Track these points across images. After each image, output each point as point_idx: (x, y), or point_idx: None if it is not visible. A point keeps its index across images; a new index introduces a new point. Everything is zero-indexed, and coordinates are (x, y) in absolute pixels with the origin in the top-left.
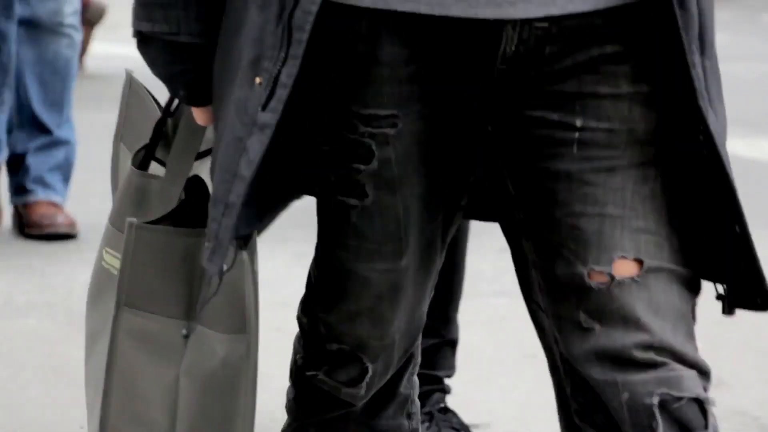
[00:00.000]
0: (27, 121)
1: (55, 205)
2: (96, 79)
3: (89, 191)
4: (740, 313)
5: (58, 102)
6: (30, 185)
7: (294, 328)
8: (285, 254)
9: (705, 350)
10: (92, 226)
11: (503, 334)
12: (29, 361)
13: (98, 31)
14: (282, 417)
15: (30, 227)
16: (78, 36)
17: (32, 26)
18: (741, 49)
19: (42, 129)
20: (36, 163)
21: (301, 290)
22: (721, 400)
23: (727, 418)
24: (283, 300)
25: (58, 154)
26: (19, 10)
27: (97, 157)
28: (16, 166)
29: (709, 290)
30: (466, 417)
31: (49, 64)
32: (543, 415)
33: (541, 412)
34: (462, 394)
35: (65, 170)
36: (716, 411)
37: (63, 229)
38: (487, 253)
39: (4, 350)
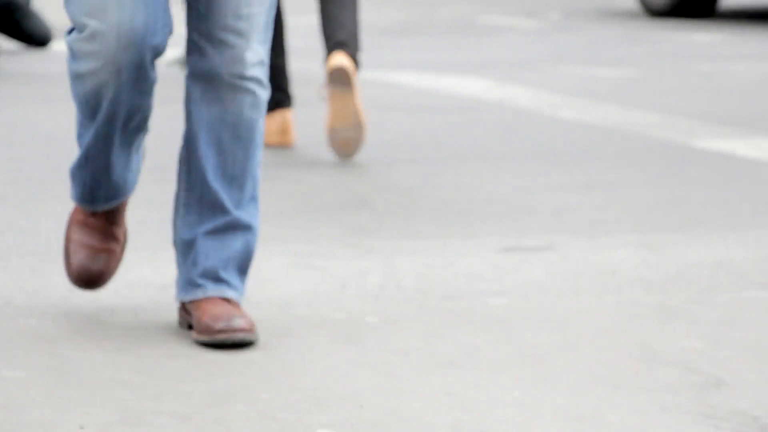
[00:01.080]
0: (199, 199)
1: (230, 302)
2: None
3: None
4: (740, 313)
5: (240, 176)
6: (199, 279)
7: (296, 329)
8: (285, 254)
9: (705, 350)
10: None
11: (503, 335)
12: (29, 361)
13: None
14: (290, 418)
15: (200, 332)
16: (264, 94)
17: (208, 81)
18: (741, 49)
19: (217, 208)
20: (207, 251)
21: (301, 290)
22: (721, 400)
23: (727, 418)
24: (283, 300)
25: (235, 242)
26: (193, 63)
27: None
28: (183, 253)
29: (709, 290)
30: (466, 417)
31: (230, 128)
32: (543, 416)
33: (541, 412)
34: (462, 394)
35: (244, 262)
36: (716, 411)
37: (240, 336)
38: (487, 253)
39: (4, 350)
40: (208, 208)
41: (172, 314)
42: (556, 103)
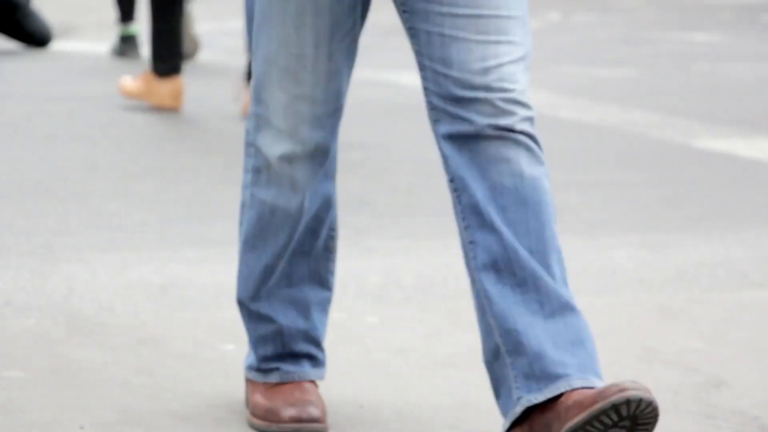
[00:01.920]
0: (499, 281)
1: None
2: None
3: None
4: (740, 313)
5: (540, 250)
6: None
7: None
8: None
9: (705, 350)
10: (89, 226)
11: None
12: (29, 361)
13: (89, 30)
14: None
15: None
16: (540, 149)
17: (470, 142)
18: (741, 49)
19: (525, 282)
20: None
21: None
22: (721, 400)
23: (727, 418)
24: None
25: (575, 324)
26: (446, 128)
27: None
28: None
29: (709, 290)
30: (466, 417)
31: (511, 193)
32: None
33: None
34: (462, 394)
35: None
36: (716, 411)
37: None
38: None
39: (4, 350)
40: (512, 285)
41: (172, 314)
42: (556, 103)
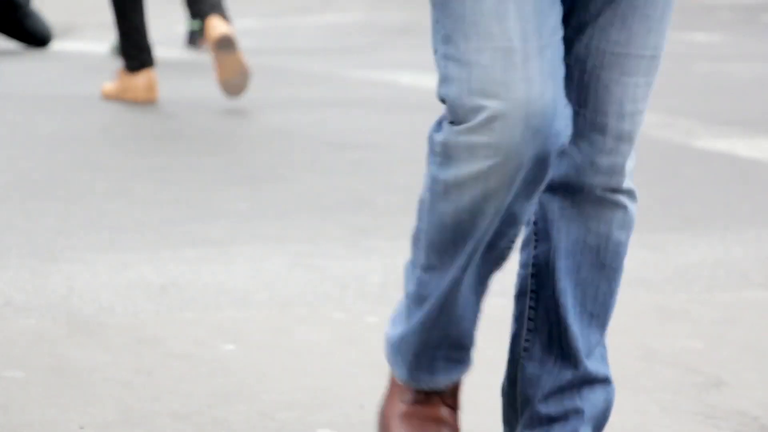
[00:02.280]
0: (546, 345)
1: None
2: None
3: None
4: (740, 313)
5: (601, 314)
6: None
7: (296, 329)
8: (285, 254)
9: (705, 350)
10: (89, 226)
11: (503, 335)
12: (29, 361)
13: (89, 30)
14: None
15: None
16: (635, 207)
17: (570, 193)
18: (741, 49)
19: (566, 359)
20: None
21: (301, 290)
22: (721, 400)
23: (727, 418)
24: (283, 300)
25: (594, 400)
26: (554, 169)
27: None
28: (522, 410)
29: (709, 290)
30: (466, 418)
31: (592, 254)
32: None
33: None
34: (462, 394)
35: (599, 422)
36: (716, 411)
37: None
38: None
39: (4, 350)
40: (555, 356)
41: (172, 314)
42: None
